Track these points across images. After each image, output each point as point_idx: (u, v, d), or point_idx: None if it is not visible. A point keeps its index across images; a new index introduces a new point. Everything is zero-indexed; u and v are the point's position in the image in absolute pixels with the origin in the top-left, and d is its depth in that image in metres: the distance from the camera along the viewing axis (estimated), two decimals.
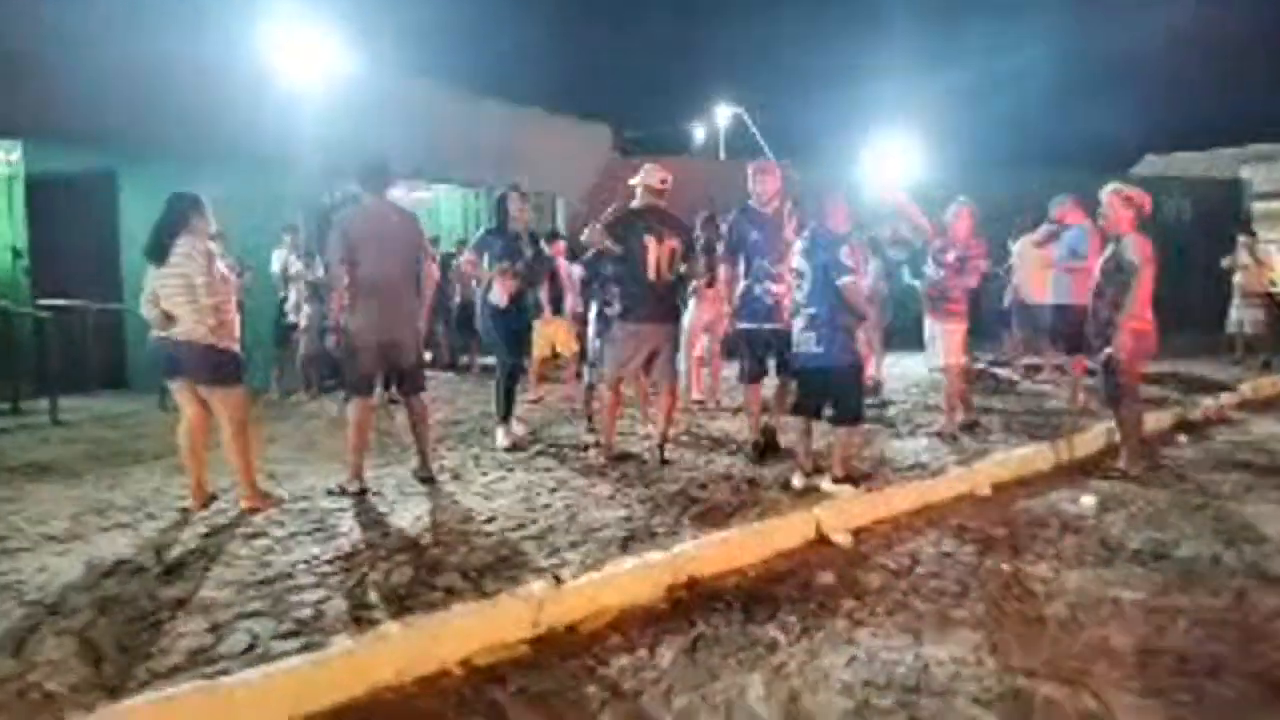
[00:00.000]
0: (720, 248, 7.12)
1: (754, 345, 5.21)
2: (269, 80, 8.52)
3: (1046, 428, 6.34)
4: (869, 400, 7.67)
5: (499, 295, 5.70)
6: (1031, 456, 5.57)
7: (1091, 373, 7.87)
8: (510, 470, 5.06)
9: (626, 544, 3.66)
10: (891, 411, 7.06)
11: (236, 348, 4.21)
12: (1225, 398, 8.00)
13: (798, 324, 4.62)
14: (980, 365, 9.76)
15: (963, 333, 6.03)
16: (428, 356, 6.85)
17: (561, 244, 8.68)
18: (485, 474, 4.96)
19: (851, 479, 4.52)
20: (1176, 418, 7.15)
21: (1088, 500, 4.81)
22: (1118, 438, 5.74)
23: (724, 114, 17.30)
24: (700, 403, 7.43)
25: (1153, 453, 6.02)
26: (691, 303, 7.20)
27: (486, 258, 5.77)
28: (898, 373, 9.23)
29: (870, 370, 9.02)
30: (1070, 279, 7.15)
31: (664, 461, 5.14)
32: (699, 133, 18.48)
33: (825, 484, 4.47)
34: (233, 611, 2.95)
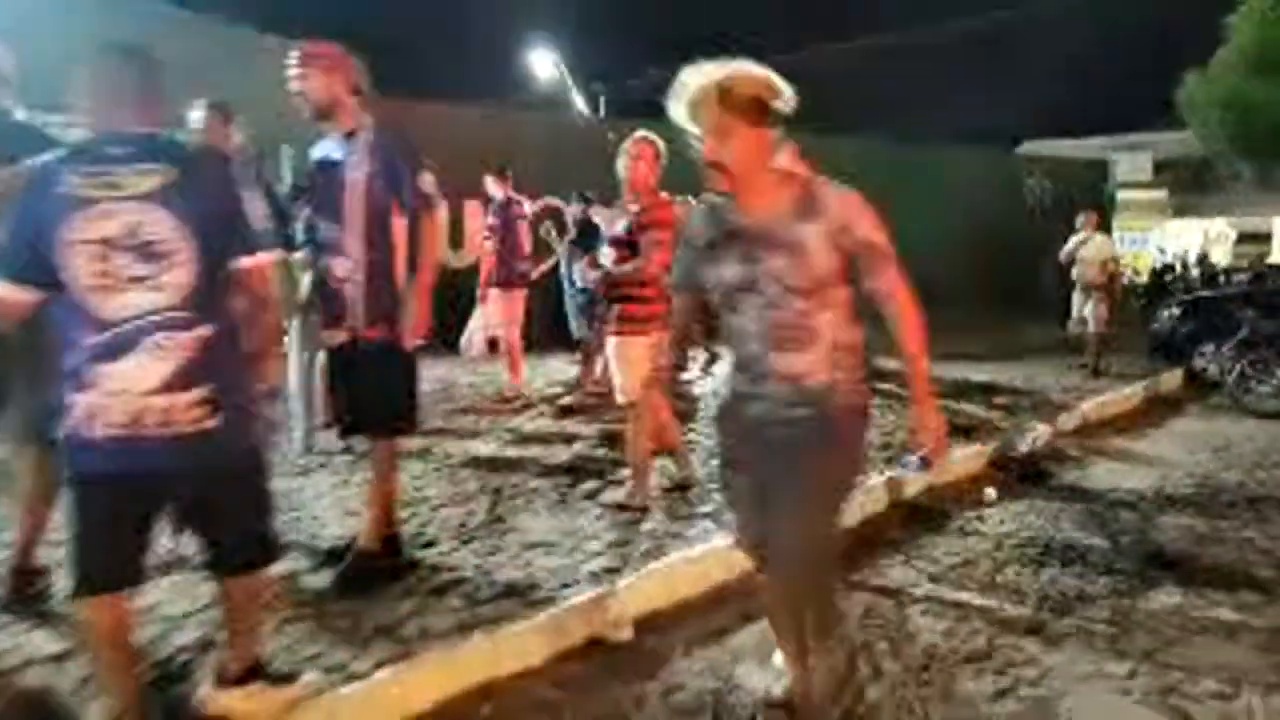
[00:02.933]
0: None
1: None
2: None
3: None
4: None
5: None
6: (716, 559, 3.40)
7: None
8: None
9: None
10: (601, 452, 4.89)
11: None
12: (1062, 421, 6.20)
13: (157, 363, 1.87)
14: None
15: (647, 347, 3.85)
16: None
17: None
18: None
19: (267, 675, 2.21)
20: (992, 458, 5.24)
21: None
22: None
23: (543, 60, 14.76)
24: None
25: (942, 521, 4.06)
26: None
27: None
28: None
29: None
30: None
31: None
32: (541, 69, 15.49)
33: (207, 691, 2.15)
34: None
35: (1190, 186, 28.80)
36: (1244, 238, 26.99)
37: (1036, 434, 5.69)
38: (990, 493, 4.58)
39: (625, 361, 3.73)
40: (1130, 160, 29.76)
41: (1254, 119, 13.58)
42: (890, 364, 7.93)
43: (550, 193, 8.39)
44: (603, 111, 19.88)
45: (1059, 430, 6.05)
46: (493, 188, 6.37)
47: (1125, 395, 7.23)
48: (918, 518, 4.20)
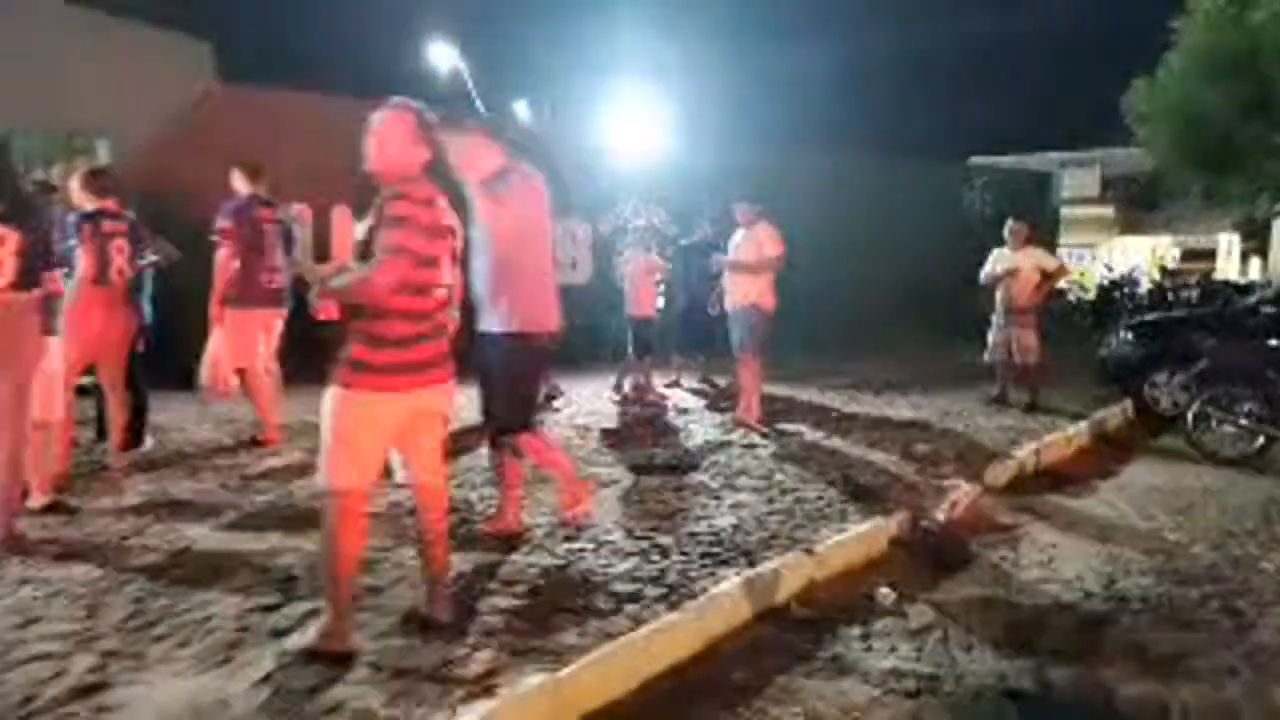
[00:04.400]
0: None
1: None
2: None
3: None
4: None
5: None
6: None
7: None
8: None
9: None
10: None
11: None
12: (991, 475, 5.07)
13: None
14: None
15: (380, 412, 2.57)
16: None
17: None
18: None
19: None
20: (897, 533, 4.07)
21: None
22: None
23: (440, 54, 13.43)
24: None
25: (813, 644, 2.86)
26: None
27: None
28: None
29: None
30: None
31: None
32: (445, 63, 13.97)
33: None
34: None
35: (1138, 203, 28.54)
36: (1188, 254, 26.72)
37: (957, 496, 4.54)
38: (885, 593, 3.40)
39: (338, 429, 2.46)
40: (1078, 176, 29.46)
41: (1204, 129, 12.82)
42: (788, 393, 6.70)
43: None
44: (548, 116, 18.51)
45: (988, 486, 4.92)
46: (238, 183, 5.09)
47: (1067, 437, 6.15)
48: (780, 641, 2.99)
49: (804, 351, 10.40)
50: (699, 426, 6.17)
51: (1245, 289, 16.13)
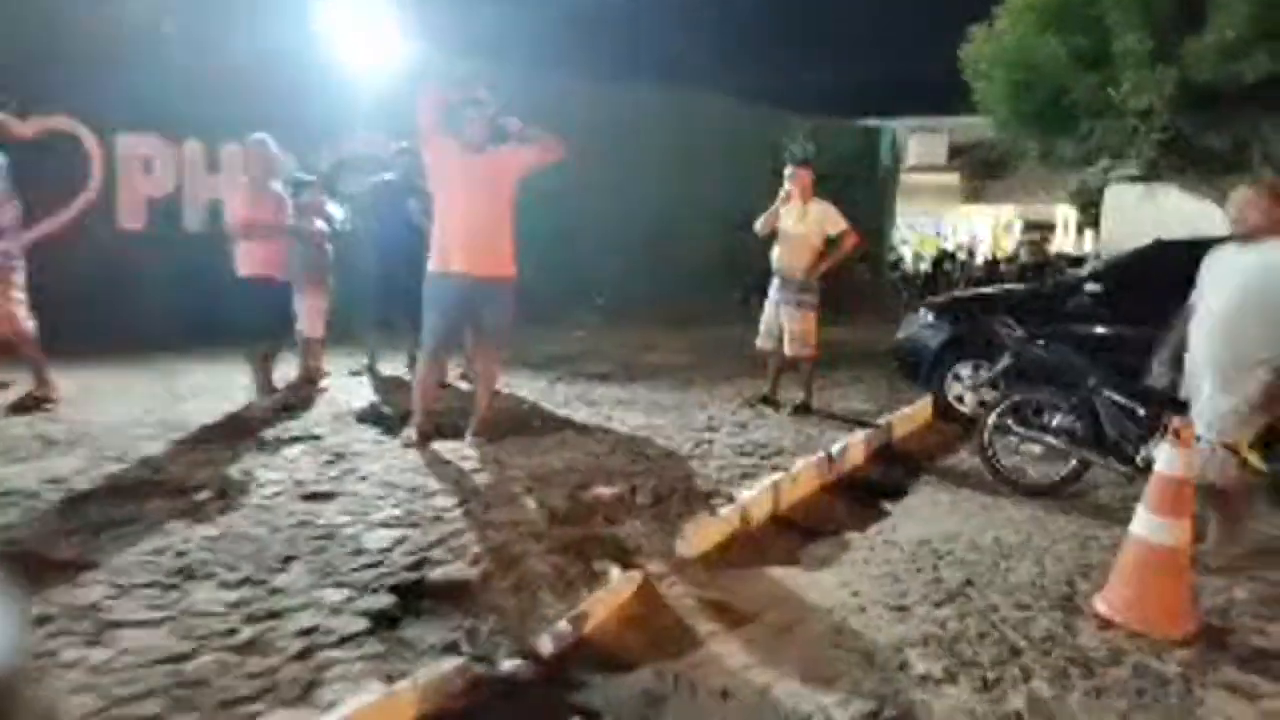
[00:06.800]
0: None
1: None
2: None
3: None
4: None
5: None
6: None
7: None
8: None
9: None
10: None
11: None
12: (687, 539, 3.27)
13: None
14: None
15: None
16: None
17: None
18: None
19: None
20: (435, 703, 2.16)
21: None
22: None
23: None
24: None
25: None
26: None
27: None
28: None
29: None
30: None
31: None
32: None
33: None
34: None
35: (985, 171, 28.12)
36: (1030, 226, 26.46)
37: (591, 603, 2.69)
38: None
39: None
40: (926, 142, 28.82)
41: (1038, 83, 11.63)
42: (510, 387, 4.50)
43: None
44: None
45: (675, 560, 3.13)
46: None
47: (829, 460, 4.47)
48: None
49: (573, 327, 8.54)
50: (315, 451, 4.11)
51: (1079, 261, 15.44)
